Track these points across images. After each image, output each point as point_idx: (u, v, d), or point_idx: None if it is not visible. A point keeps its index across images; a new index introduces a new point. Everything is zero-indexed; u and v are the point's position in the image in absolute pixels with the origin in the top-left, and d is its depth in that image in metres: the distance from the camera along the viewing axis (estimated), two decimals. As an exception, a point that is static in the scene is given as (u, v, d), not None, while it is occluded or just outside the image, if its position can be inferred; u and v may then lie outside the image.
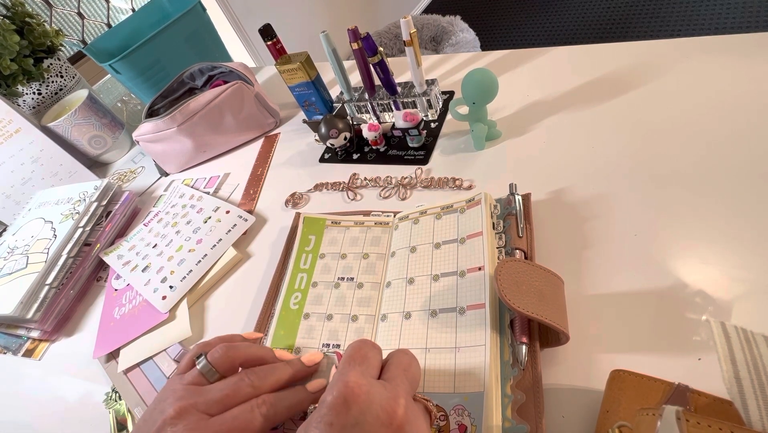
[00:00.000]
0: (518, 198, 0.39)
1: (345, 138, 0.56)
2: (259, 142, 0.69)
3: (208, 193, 0.63)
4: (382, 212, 0.47)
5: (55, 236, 0.57)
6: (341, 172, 0.57)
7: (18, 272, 0.54)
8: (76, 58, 1.44)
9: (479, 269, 0.35)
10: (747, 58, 0.47)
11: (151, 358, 0.45)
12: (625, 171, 0.42)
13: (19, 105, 0.80)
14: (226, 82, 0.66)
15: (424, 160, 0.53)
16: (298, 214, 0.50)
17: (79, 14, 1.59)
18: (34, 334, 0.54)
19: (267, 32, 0.59)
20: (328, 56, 0.57)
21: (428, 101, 0.56)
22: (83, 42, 1.60)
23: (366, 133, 0.56)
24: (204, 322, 0.47)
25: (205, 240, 0.53)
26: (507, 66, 0.61)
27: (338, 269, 0.43)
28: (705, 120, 0.43)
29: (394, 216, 0.46)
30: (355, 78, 0.69)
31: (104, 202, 0.63)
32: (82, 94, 0.79)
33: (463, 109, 0.49)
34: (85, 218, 0.59)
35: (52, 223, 0.60)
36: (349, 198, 0.53)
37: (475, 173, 0.48)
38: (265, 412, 0.29)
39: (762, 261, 0.32)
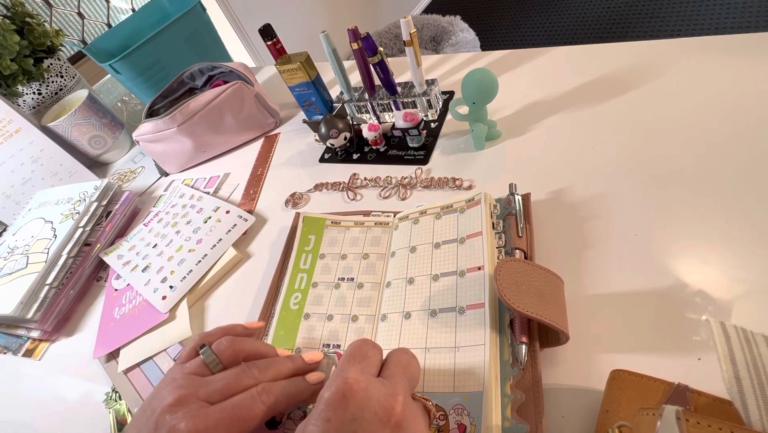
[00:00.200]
0: (518, 198, 0.39)
1: (345, 138, 0.56)
2: (259, 142, 0.69)
3: (208, 193, 0.63)
4: (382, 212, 0.47)
5: (55, 236, 0.57)
6: (341, 172, 0.57)
7: (18, 272, 0.54)
8: (76, 58, 1.44)
9: (479, 268, 0.35)
10: (747, 58, 0.47)
11: (151, 358, 0.45)
12: (625, 171, 0.42)
13: (19, 105, 0.80)
14: (226, 82, 0.66)
15: (424, 160, 0.53)
16: (297, 214, 0.50)
17: (79, 14, 1.59)
18: (34, 334, 0.54)
19: (267, 32, 0.59)
20: (328, 56, 0.57)
21: (428, 101, 0.56)
22: (83, 42, 1.60)
23: (366, 133, 0.56)
24: (204, 322, 0.47)
25: (205, 240, 0.53)
26: (507, 66, 0.61)
27: (338, 270, 0.43)
28: (705, 120, 0.43)
29: (394, 216, 0.46)
30: (355, 78, 0.69)
31: (104, 202, 0.63)
32: (82, 94, 0.79)
33: (463, 109, 0.49)
34: (85, 218, 0.59)
35: (52, 223, 0.60)
36: (349, 198, 0.53)
37: (475, 173, 0.48)
38: (266, 400, 0.29)
39: (762, 261, 0.32)
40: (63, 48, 0.87)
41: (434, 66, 0.68)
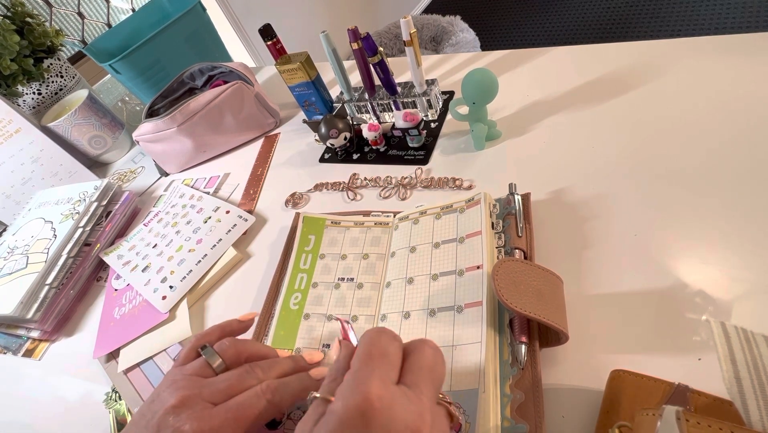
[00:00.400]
0: (518, 198, 0.39)
1: (345, 138, 0.56)
2: (259, 142, 0.69)
3: (208, 193, 0.63)
4: (382, 212, 0.47)
5: (55, 236, 0.57)
6: (341, 172, 0.57)
7: (18, 272, 0.54)
8: (76, 58, 1.44)
9: (478, 267, 0.35)
10: (747, 58, 0.47)
11: (151, 358, 0.45)
12: (625, 171, 0.42)
13: (19, 105, 0.80)
14: (226, 82, 0.66)
15: (424, 160, 0.53)
16: (297, 214, 0.50)
17: (79, 14, 1.59)
18: (34, 334, 0.54)
19: (267, 32, 0.59)
20: (328, 56, 0.57)
21: (428, 101, 0.56)
22: (83, 42, 1.60)
23: (366, 133, 0.56)
24: (204, 322, 0.47)
25: (205, 240, 0.53)
26: (507, 66, 0.61)
27: (338, 270, 0.43)
28: (705, 120, 0.43)
29: (394, 216, 0.46)
30: (355, 78, 0.69)
31: (104, 202, 0.63)
32: (82, 94, 0.79)
33: (463, 109, 0.49)
34: (85, 218, 0.59)
35: (52, 223, 0.60)
36: (349, 198, 0.53)
37: (475, 173, 0.48)
38: (270, 398, 0.29)
39: (762, 261, 0.32)
40: (63, 48, 0.87)
41: (434, 66, 0.68)
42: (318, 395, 0.24)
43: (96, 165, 0.84)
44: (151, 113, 0.68)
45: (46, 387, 0.49)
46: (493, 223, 0.39)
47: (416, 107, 0.57)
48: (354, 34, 0.52)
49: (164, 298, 0.49)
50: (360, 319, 0.39)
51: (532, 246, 0.37)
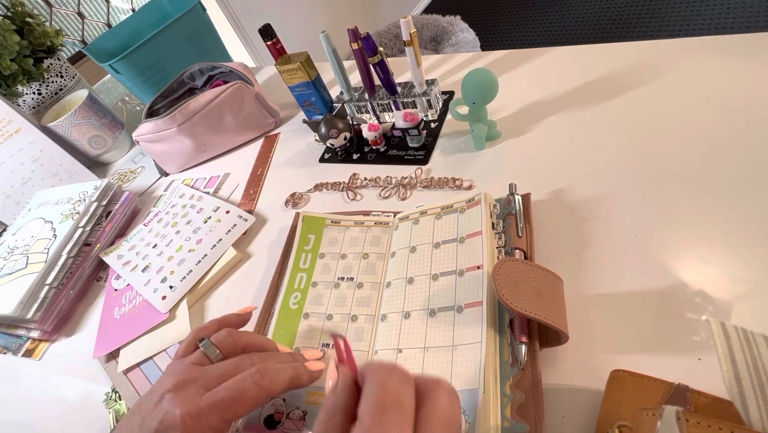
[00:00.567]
0: (518, 198, 0.39)
1: (345, 138, 0.56)
2: (259, 142, 0.69)
3: (208, 193, 0.63)
4: (382, 212, 0.47)
5: (55, 236, 0.57)
6: (341, 172, 0.57)
7: (18, 272, 0.54)
8: (76, 58, 1.44)
9: (478, 267, 0.35)
10: (747, 58, 0.47)
11: (151, 358, 0.45)
12: (625, 171, 0.42)
13: (19, 105, 0.80)
14: (226, 82, 0.66)
15: (424, 160, 0.53)
16: (297, 214, 0.50)
17: (79, 14, 1.59)
18: (34, 334, 0.54)
19: (267, 32, 0.59)
20: (328, 56, 0.57)
21: (428, 101, 0.56)
22: (83, 42, 1.60)
23: (366, 133, 0.56)
24: (204, 322, 0.47)
25: (205, 240, 0.53)
26: (507, 66, 0.61)
27: (338, 269, 0.43)
28: (705, 120, 0.43)
29: (394, 216, 0.46)
30: (355, 78, 0.69)
31: (104, 202, 0.63)
32: (82, 94, 0.79)
33: (463, 109, 0.49)
34: (85, 218, 0.59)
35: (52, 223, 0.60)
36: (349, 198, 0.53)
37: (475, 173, 0.48)
38: (259, 381, 0.29)
39: (762, 261, 0.32)
40: (63, 48, 0.87)
41: (434, 66, 0.68)
42: None
43: (96, 165, 0.84)
44: (151, 113, 0.68)
45: (46, 387, 0.49)
46: (493, 223, 0.39)
47: (416, 107, 0.57)
48: (354, 34, 0.52)
49: (164, 298, 0.49)
50: (360, 319, 0.39)
51: (532, 246, 0.37)
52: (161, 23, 0.76)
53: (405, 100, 0.57)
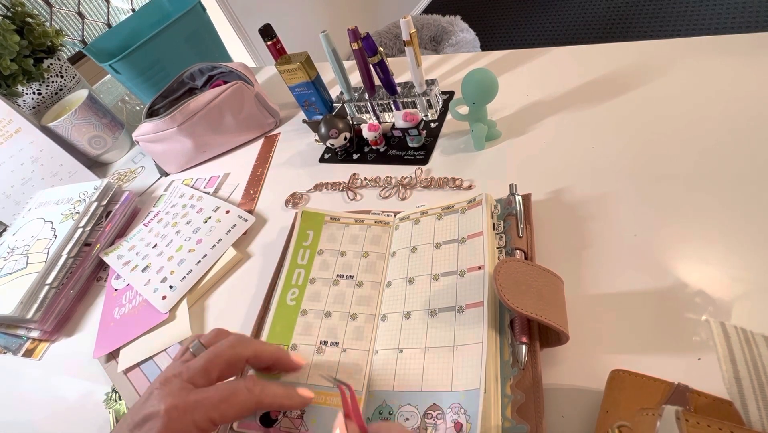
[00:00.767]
0: (518, 198, 0.39)
1: (345, 138, 0.56)
2: (259, 142, 0.69)
3: (208, 193, 0.63)
4: (382, 212, 0.47)
5: (55, 236, 0.57)
6: (341, 172, 0.57)
7: (18, 272, 0.54)
8: (76, 58, 1.44)
9: (479, 268, 0.35)
10: (747, 58, 0.47)
11: (151, 358, 0.45)
12: (626, 171, 0.42)
13: (19, 105, 0.80)
14: (226, 82, 0.66)
15: (424, 161, 0.53)
16: (297, 214, 0.50)
17: (79, 14, 1.59)
18: (34, 334, 0.54)
19: (267, 32, 0.59)
20: (328, 56, 0.57)
21: (428, 101, 0.56)
22: (83, 42, 1.60)
23: (366, 133, 0.56)
24: (204, 322, 0.47)
25: (205, 240, 0.53)
26: (507, 66, 0.61)
27: (337, 266, 0.43)
28: (705, 120, 0.43)
29: (395, 216, 0.46)
30: (355, 78, 0.69)
31: (104, 202, 0.63)
32: (82, 94, 0.79)
33: (463, 109, 0.49)
34: (85, 218, 0.59)
35: (52, 223, 0.60)
36: (349, 198, 0.53)
37: (475, 173, 0.48)
38: (251, 386, 0.30)
39: (762, 261, 0.32)
40: (63, 48, 0.87)
41: (434, 66, 0.68)
42: None
43: (96, 165, 0.84)
44: (151, 113, 0.68)
45: (46, 387, 0.49)
46: (494, 223, 0.39)
47: (416, 107, 0.57)
48: (354, 34, 0.52)
49: (164, 298, 0.49)
50: (359, 317, 0.39)
51: (533, 246, 0.37)
52: (161, 23, 0.76)
53: (405, 100, 0.57)
